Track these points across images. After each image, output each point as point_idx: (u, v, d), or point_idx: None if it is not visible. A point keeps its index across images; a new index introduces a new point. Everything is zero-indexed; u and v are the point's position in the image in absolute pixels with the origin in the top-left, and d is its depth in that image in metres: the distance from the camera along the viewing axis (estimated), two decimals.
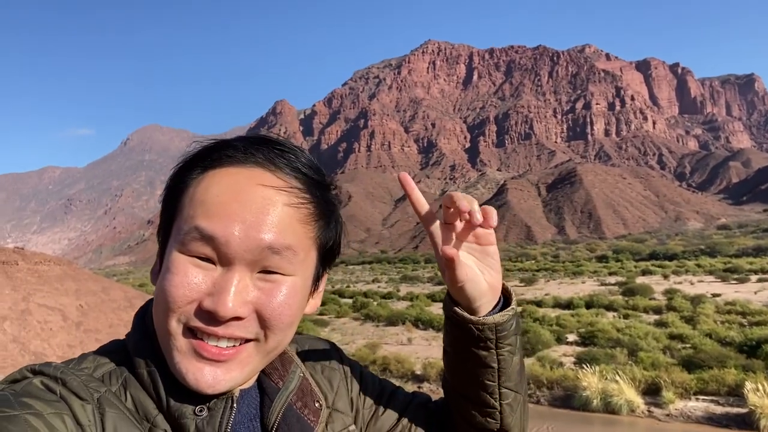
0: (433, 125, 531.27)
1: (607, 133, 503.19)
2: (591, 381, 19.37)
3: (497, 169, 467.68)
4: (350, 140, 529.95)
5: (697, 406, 18.27)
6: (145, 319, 0.87)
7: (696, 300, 38.76)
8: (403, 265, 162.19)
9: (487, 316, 0.92)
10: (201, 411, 0.76)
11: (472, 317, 0.92)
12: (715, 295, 42.56)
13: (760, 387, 16.68)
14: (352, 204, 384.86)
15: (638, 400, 18.72)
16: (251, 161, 0.82)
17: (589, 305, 40.18)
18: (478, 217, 0.82)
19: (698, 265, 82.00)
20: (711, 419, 17.61)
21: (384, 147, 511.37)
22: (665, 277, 66.63)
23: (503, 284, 0.97)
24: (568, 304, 41.36)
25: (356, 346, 27.50)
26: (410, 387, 22.85)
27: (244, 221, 0.77)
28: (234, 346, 0.80)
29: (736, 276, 60.31)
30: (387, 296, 55.75)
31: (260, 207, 0.79)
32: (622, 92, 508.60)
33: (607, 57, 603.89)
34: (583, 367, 20.94)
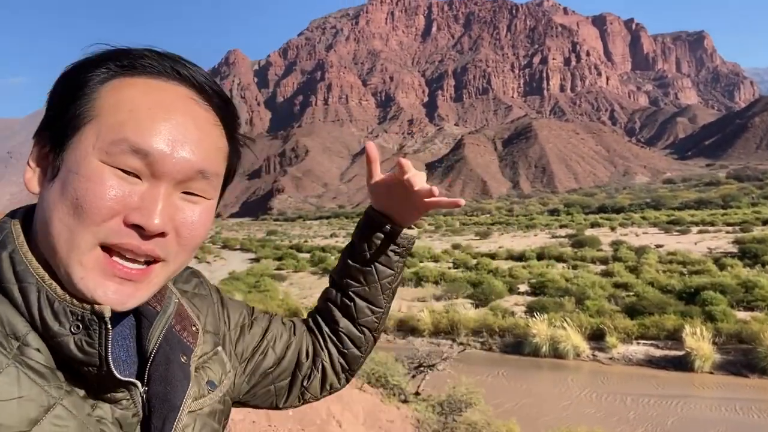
0: (392, 78, 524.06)
1: (562, 88, 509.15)
2: (540, 328, 20.11)
3: (455, 124, 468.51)
4: (307, 93, 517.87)
5: (638, 349, 19.29)
6: (13, 231, 0.77)
7: (640, 251, 40.50)
8: None
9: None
10: (78, 328, 0.71)
11: (403, 225, 1.21)
12: (658, 246, 44.55)
13: (697, 331, 17.71)
14: (309, 158, 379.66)
15: (584, 345, 19.61)
16: (174, 77, 0.78)
17: (540, 257, 41.42)
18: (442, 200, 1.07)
19: (643, 218, 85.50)
20: (650, 362, 18.67)
21: (341, 100, 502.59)
22: (612, 229, 69.11)
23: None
24: (521, 257, 42.48)
25: (313, 300, 27.38)
26: None
27: (180, 140, 0.74)
28: (142, 267, 0.76)
29: (678, 228, 63.11)
30: None
31: (195, 127, 0.77)
32: (578, 47, 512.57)
33: (565, 11, 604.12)
34: (533, 316, 21.70)
